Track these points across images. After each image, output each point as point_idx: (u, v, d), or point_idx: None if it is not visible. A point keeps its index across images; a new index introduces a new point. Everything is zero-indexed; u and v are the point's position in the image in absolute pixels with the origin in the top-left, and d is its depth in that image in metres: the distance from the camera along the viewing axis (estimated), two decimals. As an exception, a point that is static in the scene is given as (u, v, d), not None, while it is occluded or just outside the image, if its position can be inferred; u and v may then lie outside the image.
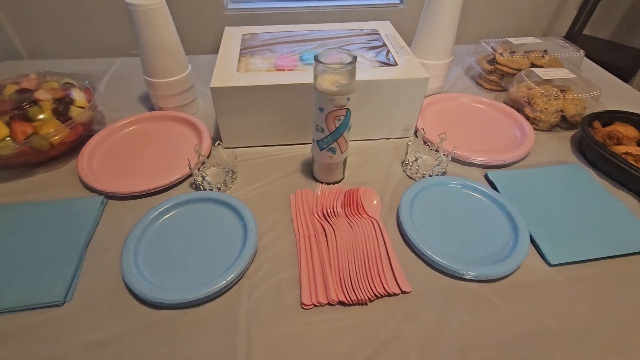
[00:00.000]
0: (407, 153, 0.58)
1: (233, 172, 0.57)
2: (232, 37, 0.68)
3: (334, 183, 0.57)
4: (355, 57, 0.43)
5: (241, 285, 0.43)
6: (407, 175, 0.58)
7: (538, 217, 0.50)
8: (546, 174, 0.57)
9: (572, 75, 0.68)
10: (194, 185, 0.55)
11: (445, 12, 0.65)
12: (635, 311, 0.41)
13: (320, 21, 1.82)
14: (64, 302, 0.41)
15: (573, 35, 1.81)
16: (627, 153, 0.56)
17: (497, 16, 1.84)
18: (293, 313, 0.40)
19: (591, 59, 1.69)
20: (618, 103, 0.70)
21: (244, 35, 0.70)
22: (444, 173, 0.58)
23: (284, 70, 0.60)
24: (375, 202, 0.52)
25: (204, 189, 0.54)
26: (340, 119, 0.47)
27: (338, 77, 0.44)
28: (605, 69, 1.68)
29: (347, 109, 0.47)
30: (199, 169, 0.55)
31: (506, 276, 0.44)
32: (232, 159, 0.56)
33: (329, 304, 0.41)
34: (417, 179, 0.57)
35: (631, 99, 0.77)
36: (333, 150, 0.51)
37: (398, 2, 1.80)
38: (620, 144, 0.59)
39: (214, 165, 0.58)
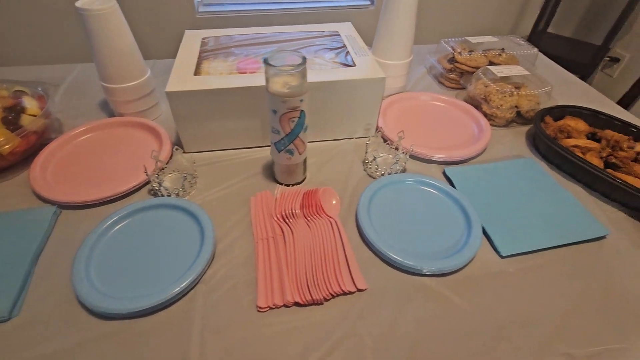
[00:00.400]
0: (366, 152, 0.59)
1: (193, 177, 0.56)
2: (192, 41, 0.68)
3: (295, 184, 0.57)
4: (304, 59, 0.44)
5: (197, 290, 0.42)
6: (368, 174, 0.59)
7: (491, 210, 0.51)
8: (501, 168, 0.59)
9: (525, 72, 0.70)
10: (152, 192, 0.54)
11: (402, 13, 0.66)
12: (580, 298, 0.42)
13: (293, 23, 1.83)
14: (10, 318, 0.39)
15: (538, 34, 1.88)
16: (575, 146, 0.59)
17: (462, 16, 1.88)
18: (249, 317, 0.40)
19: (555, 56, 1.75)
20: (570, 98, 0.73)
21: (204, 38, 0.69)
22: (403, 171, 0.59)
23: (246, 72, 0.59)
24: (334, 202, 0.52)
25: (162, 195, 0.53)
26: (294, 121, 0.48)
27: (289, 79, 0.44)
28: (568, 66, 1.75)
29: (301, 110, 0.47)
30: (157, 175, 0.54)
31: (460, 269, 0.45)
32: (191, 163, 0.55)
33: (284, 305, 0.41)
34: (377, 178, 0.57)
35: (582, 93, 0.81)
36: (291, 152, 0.51)
37: (369, 3, 1.83)
38: (571, 137, 0.62)
39: (174, 171, 0.57)
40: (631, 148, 0.58)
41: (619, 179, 0.51)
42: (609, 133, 0.61)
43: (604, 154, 0.58)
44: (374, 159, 0.57)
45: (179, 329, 0.39)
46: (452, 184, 0.56)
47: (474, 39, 0.82)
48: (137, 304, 0.39)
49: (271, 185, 0.57)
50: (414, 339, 0.38)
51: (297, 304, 0.41)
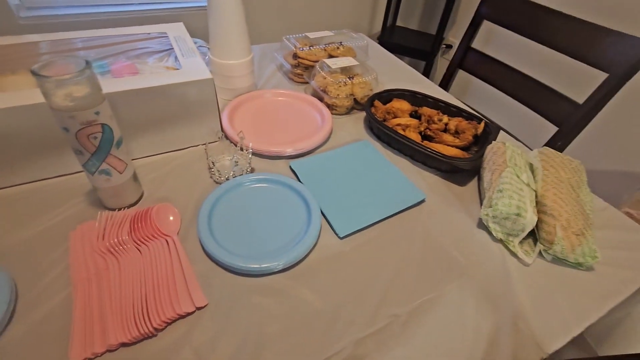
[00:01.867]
0: (207, 158, 0.56)
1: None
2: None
3: (129, 206, 0.51)
4: (88, 63, 0.38)
5: (-15, 365, 0.34)
6: (215, 181, 0.56)
7: (331, 196, 0.54)
8: (340, 154, 0.63)
9: (355, 63, 0.77)
10: None
11: (227, 11, 0.65)
12: (403, 261, 0.47)
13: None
14: None
15: (389, 28, 2.11)
16: (398, 124, 0.66)
17: (321, 16, 2.00)
18: (60, 376, 0.34)
19: (405, 46, 1.98)
20: (400, 82, 0.82)
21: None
22: (251, 171, 0.58)
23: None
24: (171, 217, 0.48)
25: None
26: (97, 137, 0.42)
27: (73, 90, 0.38)
28: (416, 53, 1.99)
29: (102, 124, 0.41)
30: None
31: (303, 259, 0.46)
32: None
33: (108, 350, 0.36)
34: (222, 183, 0.55)
35: (410, 77, 0.92)
36: (107, 172, 0.45)
37: (206, 5, 1.78)
38: (396, 117, 0.70)
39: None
40: (440, 120, 0.68)
41: (430, 148, 0.60)
42: (425, 110, 0.71)
43: (422, 128, 0.67)
44: (214, 164, 0.54)
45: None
46: (297, 178, 0.58)
47: (312, 35, 0.86)
48: None
49: (99, 212, 0.49)
50: (258, 342, 0.38)
51: (124, 344, 0.36)
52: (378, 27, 2.25)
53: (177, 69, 0.57)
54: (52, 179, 0.53)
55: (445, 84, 1.01)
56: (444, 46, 2.13)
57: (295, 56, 0.82)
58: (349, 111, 0.75)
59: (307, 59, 0.80)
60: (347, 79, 0.73)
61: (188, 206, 0.51)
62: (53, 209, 0.49)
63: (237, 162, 0.54)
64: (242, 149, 0.58)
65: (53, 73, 0.37)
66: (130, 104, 0.52)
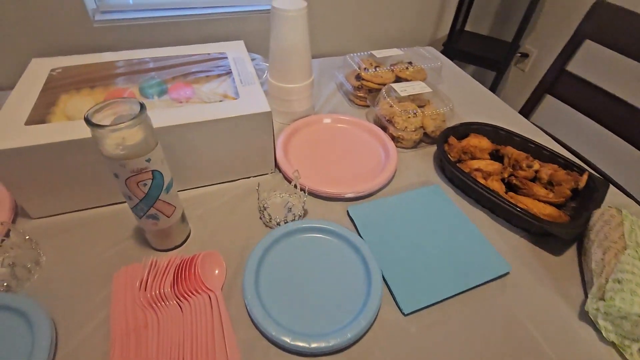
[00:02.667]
0: (258, 199, 0.51)
1: (34, 262, 0.44)
2: (35, 74, 0.54)
3: (174, 248, 0.48)
4: (143, 107, 0.35)
5: None
6: (264, 224, 0.51)
7: (394, 257, 0.46)
8: (406, 201, 0.54)
9: (428, 90, 0.67)
10: (-26, 286, 0.42)
11: (290, 38, 0.59)
12: (478, 352, 0.39)
13: (205, 31, 1.69)
14: None
15: (456, 33, 1.94)
16: (477, 169, 0.57)
17: (387, 21, 1.90)
18: None
19: (473, 54, 1.81)
20: (476, 109, 0.71)
21: (52, 70, 0.56)
22: (304, 214, 0.52)
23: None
24: (216, 271, 0.44)
25: (-14, 291, 0.41)
26: (146, 183, 0.38)
27: (124, 137, 0.35)
28: (485, 62, 1.81)
29: (154, 170, 0.38)
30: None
31: (358, 339, 0.39)
32: (29, 248, 0.43)
33: None
34: (273, 227, 0.50)
35: (487, 103, 0.80)
36: (154, 217, 0.42)
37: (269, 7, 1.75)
38: (475, 158, 0.60)
39: (10, 249, 0.45)
40: (530, 167, 0.57)
41: (518, 206, 0.49)
42: (509, 150, 0.60)
43: (506, 175, 0.57)
44: (265, 209, 0.49)
45: None
46: (355, 226, 0.51)
47: (379, 53, 0.78)
48: None
49: (145, 252, 0.47)
50: None
51: None
52: (443, 32, 2.09)
53: (235, 99, 0.53)
54: (106, 207, 0.52)
55: (527, 111, 0.87)
56: (519, 54, 1.92)
57: (358, 77, 0.75)
58: (416, 145, 0.66)
59: (372, 82, 0.72)
60: (417, 109, 0.64)
61: (234, 253, 0.47)
62: (101, 243, 0.47)
63: (290, 208, 0.49)
64: (296, 187, 0.53)
65: (107, 114, 0.34)
66: (183, 136, 0.48)
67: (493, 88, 1.79)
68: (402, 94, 0.66)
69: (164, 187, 0.40)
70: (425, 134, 0.65)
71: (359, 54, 0.78)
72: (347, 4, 1.76)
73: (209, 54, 0.64)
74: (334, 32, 1.83)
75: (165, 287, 0.41)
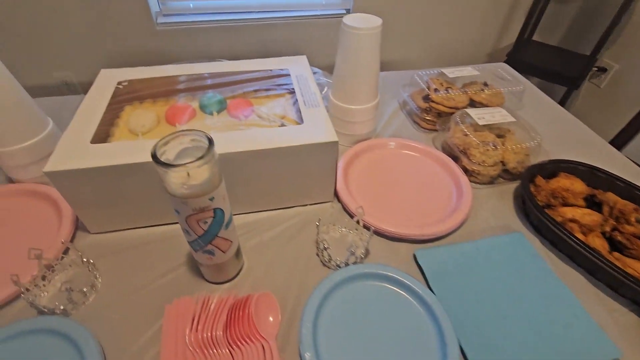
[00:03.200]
0: (317, 234, 0.47)
1: (89, 284, 0.43)
2: (103, 87, 0.54)
3: (226, 282, 0.45)
4: (211, 142, 0.32)
5: None
6: (322, 262, 0.47)
7: (470, 319, 0.40)
8: (483, 250, 0.47)
9: (511, 119, 0.59)
10: (34, 306, 0.41)
11: (362, 55, 0.54)
12: None
13: (262, 35, 1.69)
14: None
15: (523, 42, 1.79)
16: (573, 220, 0.48)
17: (447, 26, 1.79)
18: None
19: (540, 67, 1.66)
20: (562, 139, 0.62)
21: (119, 83, 0.56)
22: (366, 254, 0.47)
23: (174, 124, 0.49)
24: (271, 319, 0.40)
25: (43, 312, 0.40)
26: (207, 221, 0.35)
27: (189, 175, 0.32)
28: (557, 78, 1.65)
29: (215, 209, 0.35)
30: (43, 280, 0.41)
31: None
32: (86, 269, 0.43)
33: None
34: (332, 268, 0.46)
35: (575, 133, 0.70)
36: (210, 252, 0.39)
37: (344, 12, 1.71)
38: (567, 204, 0.51)
39: (69, 266, 0.44)
40: (639, 221, 0.47)
41: (626, 272, 0.41)
42: (611, 198, 0.51)
43: (608, 228, 0.48)
44: (325, 249, 0.45)
45: None
46: (423, 272, 0.45)
47: (450, 72, 0.70)
48: None
49: (197, 284, 0.44)
50: None
51: None
52: (508, 41, 1.94)
53: (296, 122, 0.49)
54: (164, 226, 0.50)
55: (621, 143, 0.76)
56: (595, 68, 1.72)
57: (427, 98, 0.68)
58: (493, 180, 0.58)
59: (442, 105, 0.65)
60: (497, 140, 0.56)
61: (289, 295, 0.43)
62: (156, 267, 0.46)
63: (353, 252, 0.44)
64: (358, 222, 0.48)
65: (174, 144, 0.32)
66: (244, 162, 0.45)
67: (562, 104, 1.63)
68: (480, 122, 0.58)
69: (224, 224, 0.37)
70: (504, 169, 0.57)
71: (427, 71, 0.72)
72: (410, 10, 1.69)
73: (270, 70, 0.61)
74: (396, 40, 1.76)
75: (217, 329, 0.38)
